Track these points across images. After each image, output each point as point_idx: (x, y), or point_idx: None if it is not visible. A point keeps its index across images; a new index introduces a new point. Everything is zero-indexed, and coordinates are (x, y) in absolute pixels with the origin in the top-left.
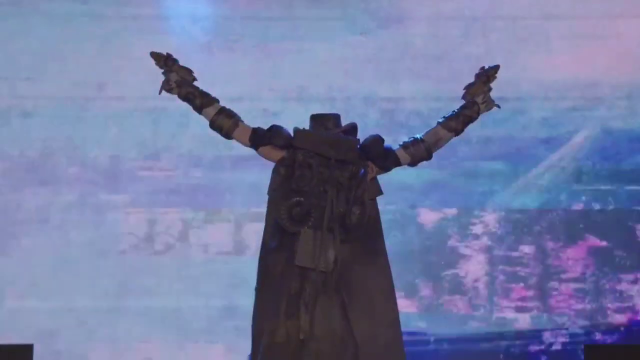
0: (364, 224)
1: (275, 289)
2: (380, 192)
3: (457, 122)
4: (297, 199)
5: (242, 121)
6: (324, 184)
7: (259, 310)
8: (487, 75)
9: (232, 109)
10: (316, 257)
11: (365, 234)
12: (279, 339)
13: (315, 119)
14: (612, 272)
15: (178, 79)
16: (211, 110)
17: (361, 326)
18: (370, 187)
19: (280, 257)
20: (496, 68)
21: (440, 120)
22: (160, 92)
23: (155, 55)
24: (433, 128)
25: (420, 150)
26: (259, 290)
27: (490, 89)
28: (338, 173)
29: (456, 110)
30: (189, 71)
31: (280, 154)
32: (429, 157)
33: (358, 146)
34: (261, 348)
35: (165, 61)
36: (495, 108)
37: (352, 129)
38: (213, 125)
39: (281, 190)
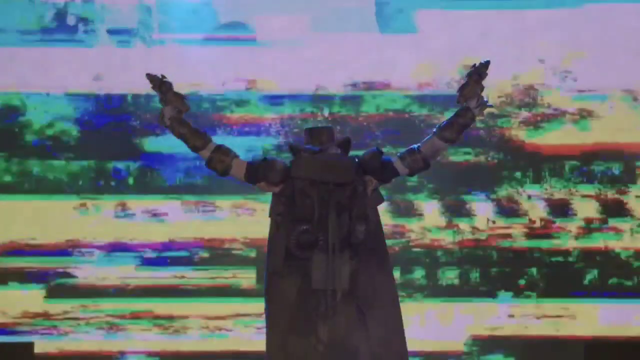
0: (370, 238)
1: (292, 309)
2: (382, 200)
3: (452, 131)
4: (304, 228)
5: (237, 157)
6: (326, 209)
7: (276, 329)
8: (478, 73)
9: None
10: (329, 278)
11: (370, 243)
12: (298, 354)
13: (309, 133)
14: None
15: (172, 115)
16: (205, 153)
17: (378, 334)
18: (371, 198)
19: (291, 279)
20: (487, 64)
21: (435, 130)
22: (158, 122)
23: (150, 78)
24: (429, 138)
25: (417, 162)
26: (273, 312)
27: (483, 88)
28: (338, 194)
29: (451, 118)
30: (182, 100)
31: (278, 187)
32: (426, 167)
33: (356, 160)
34: None
35: (159, 86)
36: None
37: (346, 141)
38: (209, 166)
39: (285, 217)
